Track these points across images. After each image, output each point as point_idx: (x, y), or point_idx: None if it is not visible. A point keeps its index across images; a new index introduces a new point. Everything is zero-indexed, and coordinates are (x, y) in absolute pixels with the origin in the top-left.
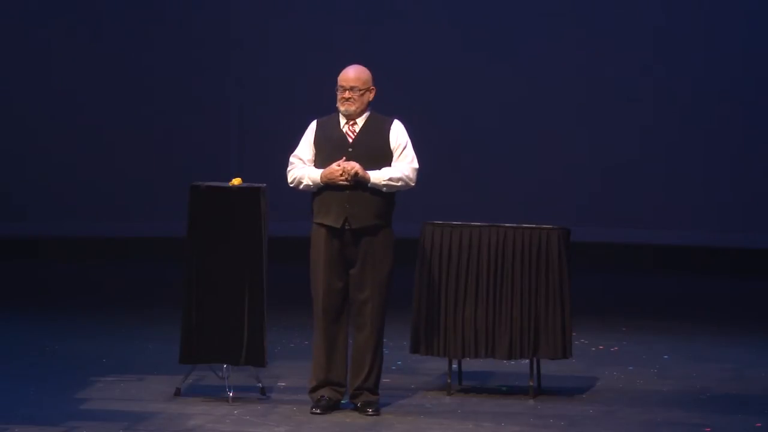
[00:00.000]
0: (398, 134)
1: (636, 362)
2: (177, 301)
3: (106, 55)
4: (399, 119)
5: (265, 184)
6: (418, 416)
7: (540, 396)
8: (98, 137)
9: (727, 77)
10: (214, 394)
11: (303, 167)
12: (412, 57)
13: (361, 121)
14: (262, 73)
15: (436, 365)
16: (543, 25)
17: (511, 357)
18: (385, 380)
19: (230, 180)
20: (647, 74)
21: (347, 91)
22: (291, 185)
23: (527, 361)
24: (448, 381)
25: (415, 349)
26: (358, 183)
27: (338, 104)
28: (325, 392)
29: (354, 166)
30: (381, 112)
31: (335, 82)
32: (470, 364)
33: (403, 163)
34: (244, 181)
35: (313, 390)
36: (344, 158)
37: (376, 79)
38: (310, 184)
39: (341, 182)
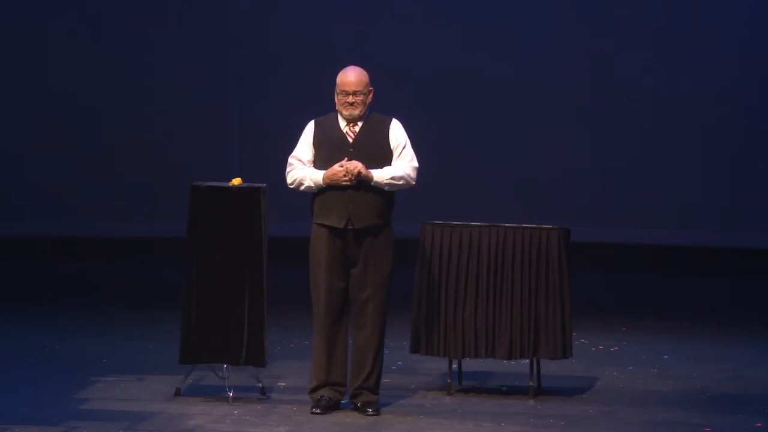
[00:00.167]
0: (398, 133)
1: (636, 362)
2: (177, 301)
3: (106, 55)
4: (398, 119)
5: (265, 184)
6: (418, 416)
7: (540, 396)
8: (98, 137)
9: (727, 77)
10: (214, 394)
11: (303, 168)
12: (412, 57)
13: (360, 122)
14: (262, 73)
15: (436, 365)
16: (543, 25)
17: (511, 357)
18: (385, 380)
19: (230, 180)
20: (647, 74)
21: (351, 96)
22: (291, 187)
23: (527, 361)
24: (448, 381)
25: (415, 349)
26: (361, 182)
27: (340, 108)
28: (325, 392)
29: (357, 166)
30: (381, 112)
31: (335, 82)
32: (470, 364)
33: (403, 162)
34: (244, 181)
35: (313, 390)
36: (346, 158)
37: (376, 79)
38: (312, 185)
39: (345, 182)
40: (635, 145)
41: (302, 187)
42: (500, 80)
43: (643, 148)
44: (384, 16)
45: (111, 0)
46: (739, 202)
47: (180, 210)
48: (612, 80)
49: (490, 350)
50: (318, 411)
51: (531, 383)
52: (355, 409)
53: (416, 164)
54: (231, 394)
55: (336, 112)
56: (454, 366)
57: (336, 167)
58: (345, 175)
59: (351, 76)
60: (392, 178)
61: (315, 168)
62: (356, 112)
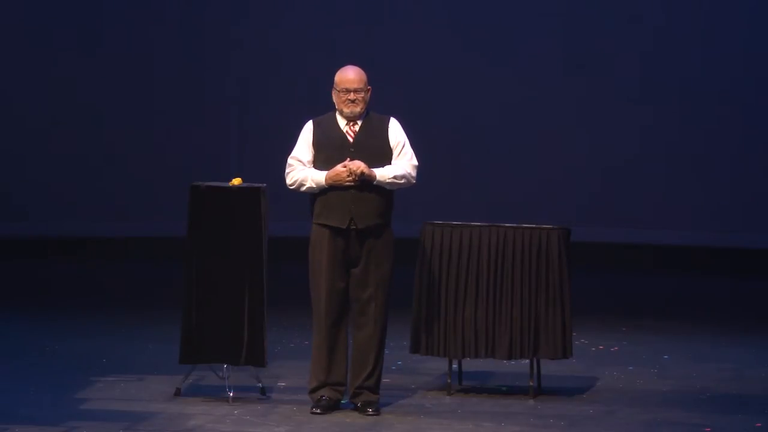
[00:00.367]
0: (397, 132)
1: (636, 362)
2: (177, 301)
3: (106, 55)
4: (398, 119)
5: (265, 184)
6: (418, 416)
7: (540, 396)
8: (98, 137)
9: (727, 77)
10: (214, 394)
11: (303, 169)
12: (412, 57)
13: (360, 121)
14: (262, 73)
15: (436, 365)
16: (543, 25)
17: (511, 357)
18: (385, 380)
19: (230, 180)
20: (647, 74)
21: (352, 93)
22: (291, 188)
23: (527, 361)
24: (448, 381)
25: (415, 349)
26: (363, 182)
27: (341, 106)
28: (325, 392)
29: (360, 166)
30: (381, 112)
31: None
32: (470, 364)
33: (403, 161)
34: (244, 181)
35: (313, 390)
36: (348, 159)
37: (376, 80)
38: (314, 186)
39: (348, 183)
40: (635, 144)
41: (303, 188)
42: (500, 80)
43: (642, 148)
44: (384, 16)
45: (111, 0)
46: (738, 202)
47: (180, 210)
48: (612, 80)
49: (490, 350)
50: (318, 411)
51: (531, 383)
52: (355, 409)
53: (416, 163)
54: (231, 394)
55: (334, 112)
56: (454, 366)
57: (339, 168)
58: (348, 176)
59: (351, 74)
60: (394, 177)
61: (314, 168)
62: (357, 109)
